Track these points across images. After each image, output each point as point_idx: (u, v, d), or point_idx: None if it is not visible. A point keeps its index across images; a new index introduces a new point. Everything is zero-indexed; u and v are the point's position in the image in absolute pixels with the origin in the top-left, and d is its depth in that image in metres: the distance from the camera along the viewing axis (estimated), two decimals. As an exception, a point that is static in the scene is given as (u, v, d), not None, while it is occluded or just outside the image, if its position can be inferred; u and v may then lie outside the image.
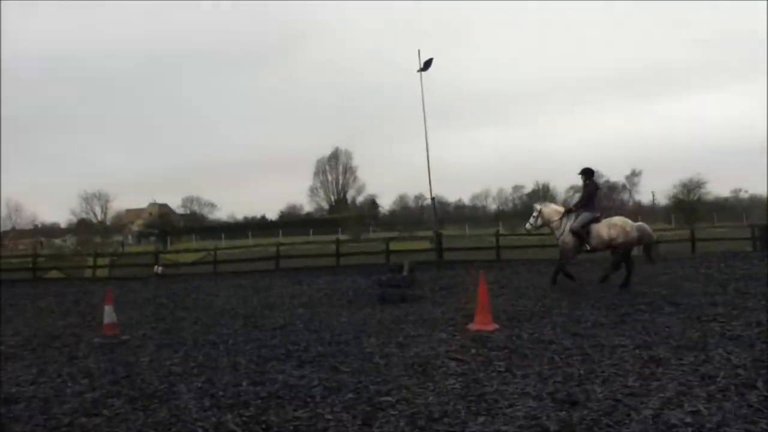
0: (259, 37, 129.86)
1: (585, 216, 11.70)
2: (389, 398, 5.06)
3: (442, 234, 20.98)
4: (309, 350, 7.21)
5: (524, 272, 15.32)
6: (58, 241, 70.33)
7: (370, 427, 4.41)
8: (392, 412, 4.70)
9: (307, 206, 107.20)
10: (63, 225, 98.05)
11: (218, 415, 4.86)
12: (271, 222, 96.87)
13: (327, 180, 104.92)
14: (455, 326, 8.27)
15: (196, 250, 27.64)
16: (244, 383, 5.83)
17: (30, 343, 8.72)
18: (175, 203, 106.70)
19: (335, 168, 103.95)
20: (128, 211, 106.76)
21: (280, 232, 70.51)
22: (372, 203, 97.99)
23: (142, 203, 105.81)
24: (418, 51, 21.66)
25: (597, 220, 11.69)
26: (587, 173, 12.06)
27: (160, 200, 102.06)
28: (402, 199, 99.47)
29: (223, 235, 73.57)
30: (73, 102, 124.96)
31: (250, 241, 51.07)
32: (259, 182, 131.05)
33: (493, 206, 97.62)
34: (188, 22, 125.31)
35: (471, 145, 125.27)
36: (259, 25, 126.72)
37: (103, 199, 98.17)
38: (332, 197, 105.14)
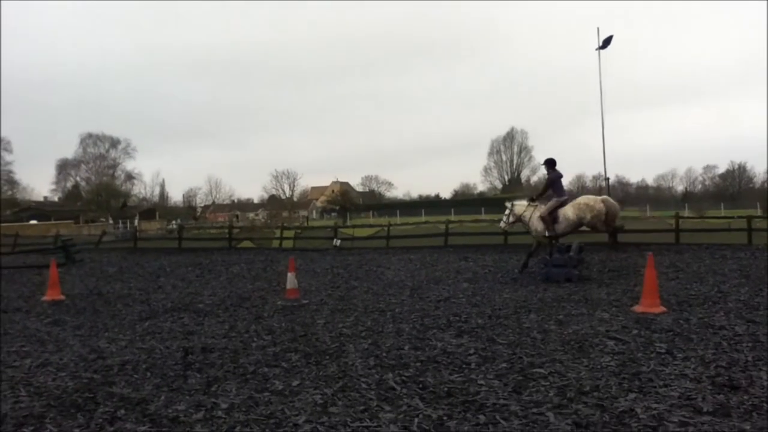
0: (435, 32, 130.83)
1: (552, 202, 12.29)
2: (541, 370, 5.23)
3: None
4: (468, 322, 7.51)
5: (705, 257, 14.42)
6: (251, 215, 76.52)
7: (520, 395, 4.61)
8: (543, 383, 4.87)
9: (481, 186, 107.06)
10: (256, 200, 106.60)
11: (380, 374, 5.32)
12: (445, 200, 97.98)
13: (501, 160, 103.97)
14: (619, 307, 8.14)
15: (372, 226, 28.90)
16: (406, 347, 6.27)
17: (224, 303, 9.85)
18: (355, 182, 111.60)
19: (510, 147, 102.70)
20: (313, 188, 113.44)
21: (452, 210, 71.15)
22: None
23: (326, 181, 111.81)
24: (597, 29, 20.90)
25: (564, 204, 12.25)
26: (550, 163, 12.71)
27: (342, 179, 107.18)
28: (579, 179, 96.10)
29: (398, 212, 75.79)
30: (269, 92, 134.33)
31: (422, 218, 52.16)
32: (434, 162, 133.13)
33: (680, 187, 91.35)
34: (376, 19, 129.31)
35: (655, 124, 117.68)
36: (426, 21, 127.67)
37: (291, 177, 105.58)
38: (506, 177, 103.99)
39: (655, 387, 4.68)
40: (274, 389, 5.00)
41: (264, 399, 4.75)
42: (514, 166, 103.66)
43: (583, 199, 12.39)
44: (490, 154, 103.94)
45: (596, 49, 21.08)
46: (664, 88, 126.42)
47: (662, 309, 7.75)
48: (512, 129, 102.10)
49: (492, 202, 79.84)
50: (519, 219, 13.01)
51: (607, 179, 22.18)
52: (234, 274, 14.38)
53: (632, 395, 4.51)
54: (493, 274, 12.55)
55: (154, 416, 4.48)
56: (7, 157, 79.51)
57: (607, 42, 21.32)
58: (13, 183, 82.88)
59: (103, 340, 7.30)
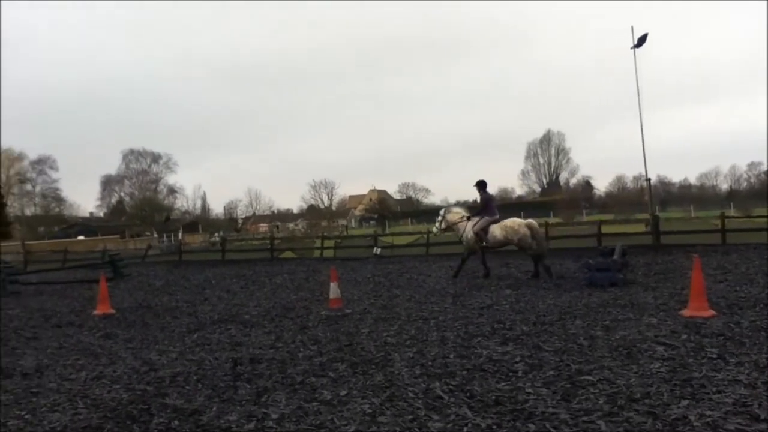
0: (466, 32, 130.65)
1: (485, 220, 13.46)
2: (590, 377, 5.18)
3: (659, 217, 19.88)
4: (513, 329, 7.48)
5: (754, 257, 14.08)
6: (290, 225, 77.39)
7: (569, 403, 4.58)
8: (592, 390, 4.83)
9: (519, 190, 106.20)
10: (295, 210, 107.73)
11: (427, 382, 5.34)
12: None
13: (539, 163, 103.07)
14: (667, 312, 8.01)
15: (411, 233, 28.94)
16: (451, 356, 6.28)
17: (269, 314, 9.99)
18: (392, 189, 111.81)
19: (547, 150, 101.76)
20: (351, 197, 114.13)
21: (492, 215, 70.58)
22: (586, 185, 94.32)
23: (363, 190, 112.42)
24: (631, 27, 20.64)
25: (495, 222, 13.35)
26: (481, 185, 13.97)
27: (379, 187, 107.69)
28: (619, 180, 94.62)
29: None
30: (302, 101, 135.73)
31: (461, 225, 51.89)
32: (471, 167, 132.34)
33: (724, 185, 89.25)
34: (396, 20, 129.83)
35: (696, 121, 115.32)
36: (461, 20, 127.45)
37: (329, 187, 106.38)
38: (544, 180, 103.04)
39: (708, 393, 4.60)
40: (322, 399, 5.07)
41: (313, 409, 4.82)
42: (552, 169, 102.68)
43: (509, 222, 13.31)
44: (527, 157, 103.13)
45: (631, 48, 20.78)
46: (705, 84, 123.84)
47: (711, 312, 7.60)
48: (548, 131, 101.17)
49: (531, 206, 79.17)
50: (450, 227, 14.21)
51: (648, 179, 21.78)
52: (277, 285, 14.56)
53: (685, 402, 4.44)
54: (536, 280, 12.44)
55: (207, 427, 4.58)
56: (53, 174, 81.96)
57: (642, 40, 21.04)
58: (60, 200, 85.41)
59: (153, 352, 7.48)
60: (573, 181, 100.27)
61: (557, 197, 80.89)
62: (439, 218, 14.59)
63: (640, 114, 21.01)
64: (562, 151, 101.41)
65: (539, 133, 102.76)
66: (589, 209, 72.58)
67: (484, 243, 13.41)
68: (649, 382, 4.95)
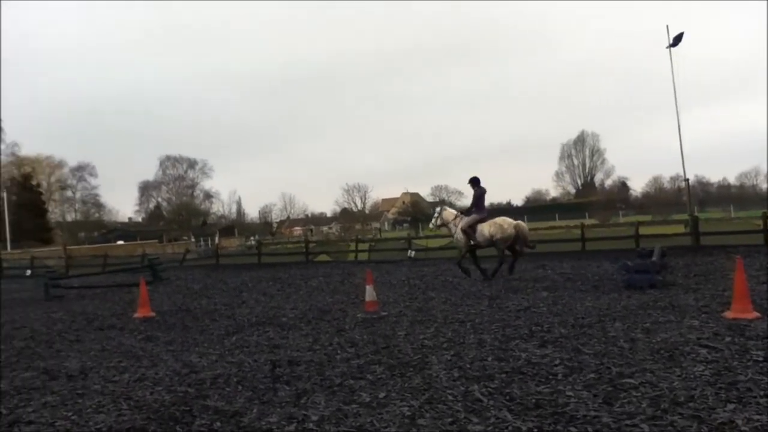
0: (500, 34, 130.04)
1: (472, 217, 13.66)
2: (632, 380, 5.11)
3: (698, 217, 19.50)
4: (551, 331, 7.41)
5: (799, 259, 13.72)
6: (324, 229, 77.84)
7: (611, 406, 4.53)
8: (634, 394, 4.76)
9: (553, 191, 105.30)
10: (328, 214, 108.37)
11: (466, 385, 5.33)
12: (517, 207, 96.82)
13: (573, 164, 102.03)
14: (709, 314, 7.86)
15: (444, 236, 28.80)
16: (489, 358, 6.25)
17: (306, 317, 10.06)
18: (425, 192, 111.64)
19: (581, 151, 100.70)
20: (384, 200, 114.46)
21: (525, 217, 70.14)
22: (622, 186, 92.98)
23: (396, 193, 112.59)
24: (667, 26, 20.32)
25: (483, 220, 13.50)
26: (474, 182, 13.94)
27: (412, 190, 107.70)
28: (656, 180, 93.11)
29: (469, 221, 75.18)
30: (333, 106, 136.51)
31: (495, 227, 51.59)
32: (504, 169, 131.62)
33: (764, 185, 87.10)
34: (437, 23, 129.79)
35: (734, 120, 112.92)
36: (491, 24, 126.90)
37: (362, 190, 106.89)
38: (579, 181, 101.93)
39: (755, 397, 4.51)
40: (361, 401, 5.09)
41: (352, 411, 4.84)
42: (587, 170, 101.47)
43: (498, 220, 13.52)
44: (561, 158, 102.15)
45: (667, 47, 20.45)
46: (744, 82, 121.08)
47: (755, 314, 7.43)
48: (583, 132, 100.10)
49: (566, 207, 78.44)
50: (445, 224, 14.53)
51: (687, 180, 21.39)
52: (313, 288, 14.65)
53: (731, 406, 4.36)
54: (573, 282, 12.31)
55: (248, 428, 4.64)
56: (92, 181, 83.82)
57: (678, 39, 20.72)
58: (99, 206, 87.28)
59: (194, 354, 7.59)
60: (608, 182, 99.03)
61: (593, 198, 79.95)
62: (436, 215, 14.98)
63: (677, 113, 20.71)
64: (596, 152, 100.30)
65: (573, 134, 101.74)
66: (625, 210, 71.49)
67: (472, 242, 13.66)
68: (692, 386, 4.86)
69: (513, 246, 13.55)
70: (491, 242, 13.45)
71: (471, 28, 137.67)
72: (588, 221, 40.23)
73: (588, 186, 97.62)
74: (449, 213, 14.64)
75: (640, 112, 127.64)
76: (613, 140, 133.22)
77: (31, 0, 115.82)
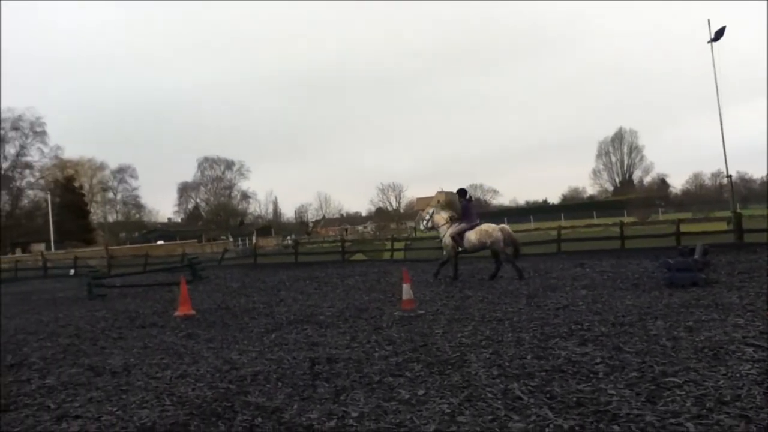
0: (535, 32, 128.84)
1: (460, 226, 14.31)
2: (675, 379, 5.02)
3: (741, 214, 19.03)
4: (591, 330, 7.32)
5: None
6: (359, 228, 78.14)
7: (655, 405, 4.45)
8: (678, 392, 4.68)
9: (590, 189, 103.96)
10: (363, 213, 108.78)
11: (505, 383, 5.30)
12: (553, 205, 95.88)
13: (611, 161, 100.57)
14: (754, 312, 7.66)
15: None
16: (529, 357, 6.20)
17: (343, 315, 10.12)
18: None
19: (619, 148, 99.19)
20: (419, 199, 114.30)
21: (562, 215, 69.47)
22: (661, 183, 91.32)
23: (431, 192, 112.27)
24: (708, 21, 19.86)
25: (472, 228, 14.11)
26: (461, 193, 14.98)
27: (447, 188, 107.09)
28: (697, 177, 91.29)
29: (505, 220, 74.73)
30: (367, 107, 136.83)
31: (532, 225, 51.21)
32: (540, 167, 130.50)
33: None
34: (466, 22, 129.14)
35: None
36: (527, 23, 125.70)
37: (397, 189, 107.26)
38: (616, 179, 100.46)
39: (804, 396, 4.39)
40: (400, 398, 5.10)
41: (392, 408, 4.85)
42: (625, 168, 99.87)
43: (484, 227, 14.15)
44: (599, 156, 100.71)
45: (708, 42, 20.01)
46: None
47: (804, 313, 7.24)
48: (620, 129, 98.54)
49: (604, 205, 77.31)
50: (435, 227, 15.12)
51: (730, 176, 20.88)
52: (349, 286, 14.71)
53: (779, 405, 4.25)
54: (612, 280, 12.13)
55: (289, 424, 4.68)
56: (133, 183, 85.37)
57: (719, 34, 20.27)
58: (139, 207, 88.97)
59: (234, 351, 7.70)
60: (647, 179, 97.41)
61: (631, 196, 78.64)
62: (427, 217, 15.58)
63: (719, 109, 20.28)
64: (635, 149, 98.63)
65: (611, 132, 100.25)
66: (665, 208, 70.17)
67: (460, 248, 14.32)
68: (739, 385, 4.75)
69: (505, 248, 14.03)
70: (477, 248, 14.20)
71: (505, 28, 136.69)
72: (627, 219, 39.57)
73: (626, 183, 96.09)
74: (440, 217, 15.08)
75: (680, 108, 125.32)
76: (651, 137, 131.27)
77: (74, 5, 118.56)
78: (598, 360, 5.84)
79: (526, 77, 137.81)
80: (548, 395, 4.87)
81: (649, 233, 21.77)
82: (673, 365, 5.46)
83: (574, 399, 4.72)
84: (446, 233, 14.55)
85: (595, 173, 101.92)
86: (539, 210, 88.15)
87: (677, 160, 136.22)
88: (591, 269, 14.59)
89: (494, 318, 8.68)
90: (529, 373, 5.55)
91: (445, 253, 14.84)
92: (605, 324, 7.62)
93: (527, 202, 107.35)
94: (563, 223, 39.45)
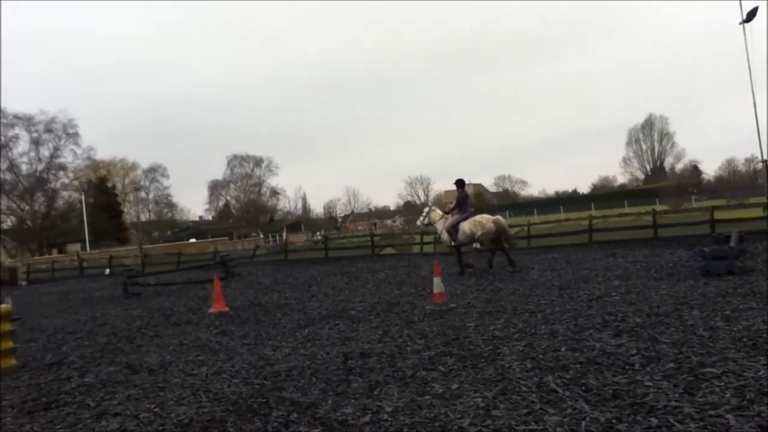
0: (562, 21, 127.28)
1: (455, 218, 14.46)
2: (713, 370, 4.94)
3: (778, 200, 18.61)
4: (626, 321, 7.23)
5: None
6: (388, 222, 78.21)
7: (693, 396, 4.39)
8: (717, 383, 4.60)
9: (621, 177, 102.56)
10: (392, 207, 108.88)
11: (540, 376, 5.27)
12: (583, 195, 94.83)
13: (641, 149, 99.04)
14: (795, 300, 7.52)
15: (510, 226, 28.46)
16: (563, 349, 6.15)
17: (374, 309, 10.15)
18: (488, 182, 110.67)
19: (649, 135, 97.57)
20: (446, 192, 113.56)
21: (592, 205, 68.67)
22: (693, 170, 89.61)
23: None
24: (740, 2, 19.40)
25: (465, 219, 14.20)
26: (459, 183, 14.74)
27: (475, 180, 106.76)
28: (730, 163, 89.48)
29: (535, 211, 74.30)
30: (394, 101, 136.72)
31: (562, 215, 50.72)
32: (569, 156, 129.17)
33: None
34: (489, 15, 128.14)
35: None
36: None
37: (424, 182, 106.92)
38: (647, 166, 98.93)
39: None
40: (434, 393, 5.10)
41: (426, 402, 4.86)
42: (656, 155, 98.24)
43: (478, 217, 14.25)
44: (629, 143, 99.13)
45: (740, 23, 19.56)
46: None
47: None
48: (650, 116, 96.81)
49: (635, 194, 76.23)
50: (432, 223, 15.47)
51: (765, 161, 20.45)
52: (380, 281, 14.74)
53: (822, 395, 4.16)
54: (646, 270, 11.97)
55: (324, 419, 4.72)
56: (164, 182, 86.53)
57: (752, 14, 19.79)
58: (171, 205, 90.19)
59: (268, 347, 7.77)
60: (679, 166, 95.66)
61: (663, 184, 77.36)
62: (424, 214, 16.03)
63: (753, 92, 19.84)
64: (665, 136, 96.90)
65: (641, 119, 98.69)
66: (697, 195, 68.87)
67: (453, 242, 14.49)
68: (780, 375, 4.66)
69: (498, 240, 14.13)
70: (472, 239, 14.31)
71: (533, 19, 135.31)
72: (659, 207, 38.95)
73: (657, 171, 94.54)
74: (436, 214, 15.40)
75: (712, 92, 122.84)
76: (682, 123, 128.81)
77: (107, 7, 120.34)
78: (634, 351, 5.77)
79: (555, 66, 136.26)
80: (584, 388, 4.83)
81: (683, 221, 21.40)
82: (710, 356, 5.37)
83: (610, 391, 4.67)
84: (442, 228, 14.80)
85: (626, 161, 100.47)
86: (569, 200, 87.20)
87: (709, 146, 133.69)
88: (624, 259, 14.41)
89: (526, 310, 8.63)
90: (564, 366, 5.51)
91: (452, 245, 14.75)
92: (640, 315, 7.52)
93: (556, 193, 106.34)
94: (594, 212, 38.95)
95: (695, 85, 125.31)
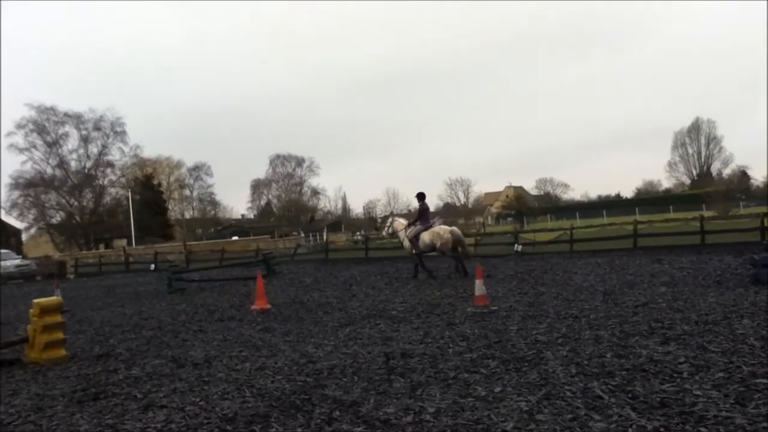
0: (604, 21, 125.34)
1: (416, 228, 15.52)
2: (766, 380, 4.81)
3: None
4: (673, 328, 7.09)
5: None
6: (428, 223, 78.11)
7: (744, 407, 4.28)
8: (769, 395, 4.49)
9: (666, 182, 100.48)
10: (431, 208, 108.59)
11: (584, 382, 5.20)
12: (626, 200, 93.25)
13: (687, 153, 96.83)
14: None
15: (552, 230, 28.16)
16: (608, 355, 6.06)
17: (415, 310, 10.14)
18: (529, 185, 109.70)
19: (696, 139, 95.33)
20: (486, 194, 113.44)
21: (636, 209, 67.42)
22: (742, 175, 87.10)
23: (499, 187, 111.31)
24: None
25: (426, 230, 15.26)
26: (419, 197, 15.98)
27: (515, 183, 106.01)
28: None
29: (577, 214, 73.35)
30: (434, 102, 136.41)
31: (605, 220, 49.97)
32: (612, 160, 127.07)
33: None
34: (527, 15, 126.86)
35: None
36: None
37: (465, 184, 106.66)
38: (694, 171, 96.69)
39: None
40: (477, 395, 5.08)
41: (468, 404, 4.84)
42: (703, 159, 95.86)
43: (436, 228, 15.41)
44: (675, 147, 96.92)
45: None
46: None
47: None
48: (697, 119, 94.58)
49: (681, 199, 74.63)
50: (396, 233, 16.59)
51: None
52: (420, 282, 14.72)
53: None
54: (693, 277, 11.70)
55: (366, 418, 4.74)
56: (208, 180, 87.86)
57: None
58: (214, 203, 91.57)
59: (310, 345, 7.84)
60: (727, 171, 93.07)
61: (710, 189, 75.39)
62: (388, 224, 17.40)
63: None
64: (713, 140, 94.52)
65: (687, 122, 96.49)
66: (746, 201, 66.95)
67: (414, 250, 15.49)
68: (837, 388, 4.52)
69: (456, 249, 15.22)
70: (433, 249, 15.23)
71: (578, 15, 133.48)
72: (706, 213, 38.02)
73: (704, 176, 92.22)
74: (399, 223, 16.60)
75: (761, 95, 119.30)
76: (730, 127, 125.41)
77: (152, 10, 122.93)
78: (682, 359, 5.65)
79: (597, 66, 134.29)
80: (630, 395, 4.75)
81: (731, 228, 20.88)
82: (763, 366, 5.23)
83: (658, 399, 4.58)
84: (404, 237, 15.86)
85: (671, 165, 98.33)
86: (612, 204, 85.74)
87: (759, 150, 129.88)
88: (670, 265, 14.12)
89: (570, 315, 8.53)
90: (609, 372, 5.43)
91: (413, 252, 15.71)
92: (688, 322, 7.37)
93: (599, 197, 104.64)
94: (638, 217, 38.20)
95: (744, 88, 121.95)
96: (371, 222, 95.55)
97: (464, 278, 14.23)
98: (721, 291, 9.70)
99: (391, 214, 19.64)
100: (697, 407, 4.33)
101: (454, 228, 16.00)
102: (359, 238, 48.13)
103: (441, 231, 15.21)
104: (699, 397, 4.55)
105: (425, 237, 15.16)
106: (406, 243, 15.83)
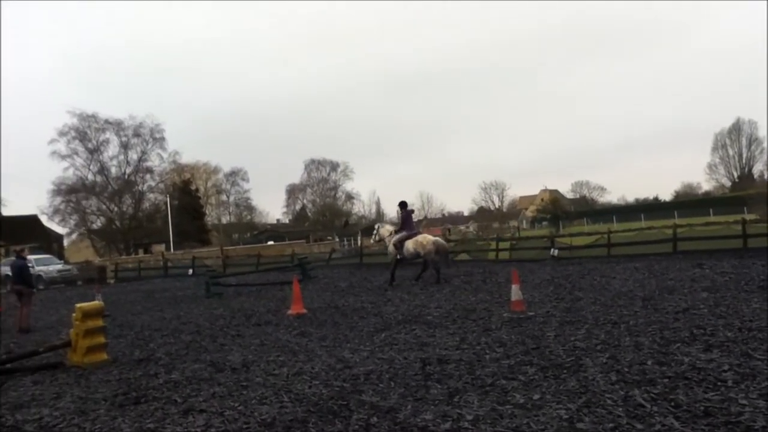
0: (647, 21, 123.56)
1: (400, 235, 16.25)
2: (815, 390, 4.68)
3: None
4: (716, 335, 6.93)
5: None
6: (462, 227, 77.78)
7: (792, 417, 4.18)
8: (819, 405, 4.36)
9: (705, 184, 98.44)
10: (465, 213, 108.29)
11: (625, 389, 5.12)
12: (665, 203, 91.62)
13: (728, 155, 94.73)
14: None
15: (588, 234, 27.79)
16: (649, 362, 5.95)
17: (451, 315, 10.10)
18: (564, 188, 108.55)
19: (737, 141, 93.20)
20: (521, 198, 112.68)
21: (675, 213, 66.18)
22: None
23: (534, 190, 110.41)
24: None
25: (411, 237, 16.01)
26: (401, 205, 17.02)
27: (551, 186, 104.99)
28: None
29: (614, 218, 72.33)
30: (469, 106, 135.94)
31: (643, 223, 49.14)
32: (650, 163, 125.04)
33: None
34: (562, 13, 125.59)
35: None
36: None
37: (499, 188, 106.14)
38: (735, 173, 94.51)
39: None
40: (515, 402, 5.04)
41: (507, 412, 4.81)
42: (744, 161, 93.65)
43: (420, 237, 16.05)
44: (715, 149, 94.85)
45: None
46: None
47: None
48: (738, 120, 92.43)
49: (721, 201, 73.02)
50: (382, 239, 17.25)
51: None
52: (455, 287, 14.65)
53: None
54: (736, 282, 11.42)
55: (404, 425, 4.74)
56: (244, 185, 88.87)
57: None
58: (251, 208, 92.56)
59: (346, 350, 7.87)
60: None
61: (751, 191, 73.63)
62: (374, 231, 18.13)
63: None
64: (755, 141, 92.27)
65: (728, 123, 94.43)
66: (791, 203, 65.18)
67: (399, 256, 16.12)
68: None
69: (436, 257, 15.84)
70: (417, 256, 16.04)
71: (616, 15, 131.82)
72: (748, 216, 37.13)
73: (745, 178, 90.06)
74: (385, 230, 17.30)
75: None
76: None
77: (191, 13, 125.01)
78: (726, 367, 5.53)
79: (635, 66, 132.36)
80: (673, 403, 4.66)
81: (776, 231, 20.33)
82: (811, 375, 5.09)
83: (702, 408, 4.49)
84: (389, 243, 16.54)
85: (711, 167, 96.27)
86: (650, 207, 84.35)
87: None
88: (711, 270, 13.81)
89: (609, 321, 8.40)
90: (651, 380, 5.34)
91: (389, 259, 16.75)
92: (731, 329, 7.20)
93: (636, 200, 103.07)
94: (678, 221, 37.47)
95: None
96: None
97: (437, 284, 15.21)
98: (766, 296, 9.45)
99: (380, 223, 20.73)
100: (743, 417, 4.24)
101: (438, 238, 16.93)
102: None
103: (425, 241, 15.85)
104: (745, 407, 4.45)
105: (409, 245, 15.91)
106: (391, 248, 16.50)
